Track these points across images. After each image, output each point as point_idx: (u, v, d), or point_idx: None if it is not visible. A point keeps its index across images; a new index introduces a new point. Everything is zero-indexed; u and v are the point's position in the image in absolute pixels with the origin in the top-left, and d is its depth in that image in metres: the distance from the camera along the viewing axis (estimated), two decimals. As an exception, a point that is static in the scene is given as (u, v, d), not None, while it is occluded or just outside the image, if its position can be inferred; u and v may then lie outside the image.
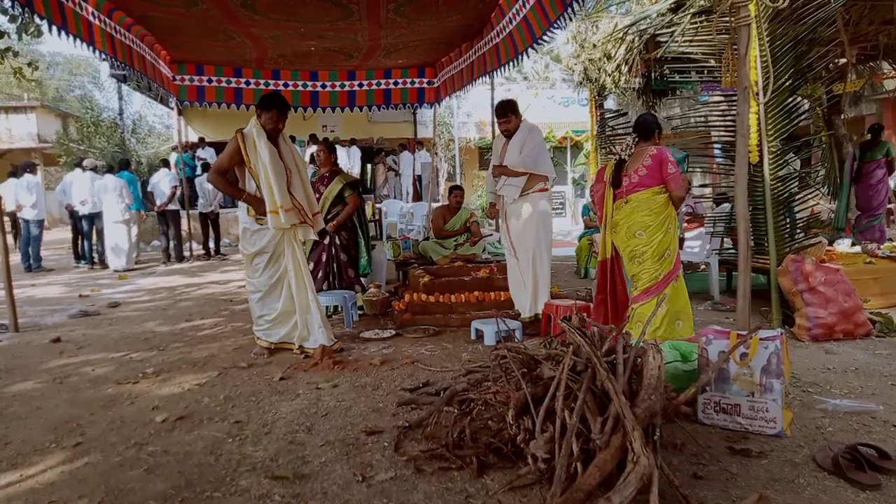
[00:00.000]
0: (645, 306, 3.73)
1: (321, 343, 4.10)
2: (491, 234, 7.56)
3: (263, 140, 3.98)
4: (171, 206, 10.76)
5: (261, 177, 3.96)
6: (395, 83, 8.54)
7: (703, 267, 6.87)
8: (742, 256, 3.19)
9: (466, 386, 2.94)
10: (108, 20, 5.50)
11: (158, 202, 10.72)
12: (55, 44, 45.35)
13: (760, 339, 2.68)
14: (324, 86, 8.50)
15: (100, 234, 10.18)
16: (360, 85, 8.56)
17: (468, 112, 20.42)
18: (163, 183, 10.77)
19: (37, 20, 5.27)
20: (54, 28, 4.66)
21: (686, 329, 3.72)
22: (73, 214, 10.25)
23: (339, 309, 5.32)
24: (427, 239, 6.98)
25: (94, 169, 10.42)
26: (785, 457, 2.46)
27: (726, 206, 6.34)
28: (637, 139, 3.94)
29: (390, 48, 7.09)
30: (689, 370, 3.01)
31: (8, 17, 7.00)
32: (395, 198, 15.08)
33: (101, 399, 3.41)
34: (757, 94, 4.46)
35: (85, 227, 10.13)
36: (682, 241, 7.02)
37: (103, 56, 5.76)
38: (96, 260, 10.20)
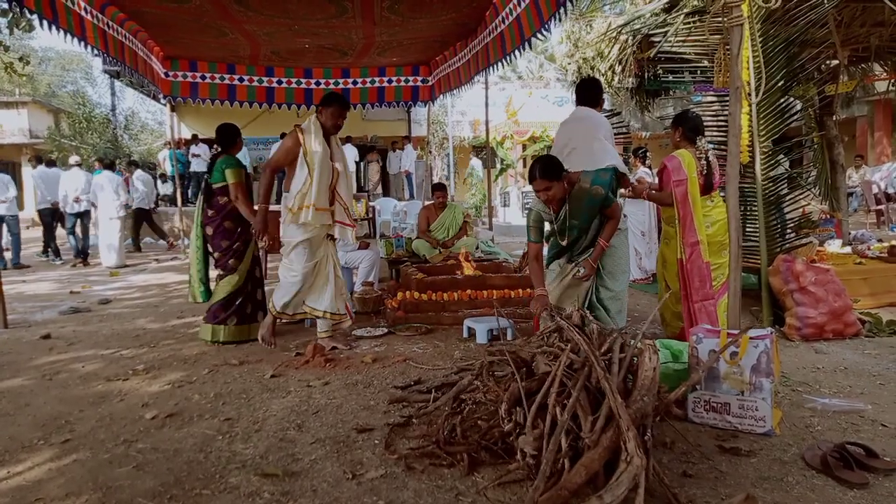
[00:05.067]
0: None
1: (341, 311, 4.27)
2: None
3: (319, 137, 4.03)
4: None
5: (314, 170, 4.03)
6: (390, 81, 8.52)
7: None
8: (733, 256, 3.20)
9: (472, 379, 2.89)
10: (100, 15, 5.46)
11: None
12: (47, 39, 45.15)
13: (750, 339, 2.69)
14: (318, 83, 8.47)
15: (85, 231, 10.17)
16: (355, 83, 8.54)
17: (462, 111, 20.47)
18: None
19: (27, 15, 5.24)
20: (45, 23, 4.63)
21: None
22: (53, 211, 10.25)
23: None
24: (420, 237, 6.98)
25: (79, 165, 10.42)
26: (774, 455, 2.47)
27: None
28: (701, 138, 4.00)
29: (385, 46, 7.08)
30: (679, 369, 3.02)
31: (-1, 11, 6.97)
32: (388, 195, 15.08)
33: (90, 396, 3.39)
34: (749, 94, 4.48)
35: (69, 224, 10.12)
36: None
37: (95, 52, 5.72)
38: (80, 256, 10.19)
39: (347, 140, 14.91)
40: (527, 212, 3.67)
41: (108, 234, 9.60)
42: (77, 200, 9.86)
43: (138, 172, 12.20)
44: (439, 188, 6.98)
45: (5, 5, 6.24)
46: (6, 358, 4.25)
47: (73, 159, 10.65)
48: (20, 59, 8.81)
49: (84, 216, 10.11)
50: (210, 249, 4.57)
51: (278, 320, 4.36)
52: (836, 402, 3.01)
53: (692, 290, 3.93)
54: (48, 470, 2.48)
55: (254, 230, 4.34)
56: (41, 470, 2.48)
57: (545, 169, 3.41)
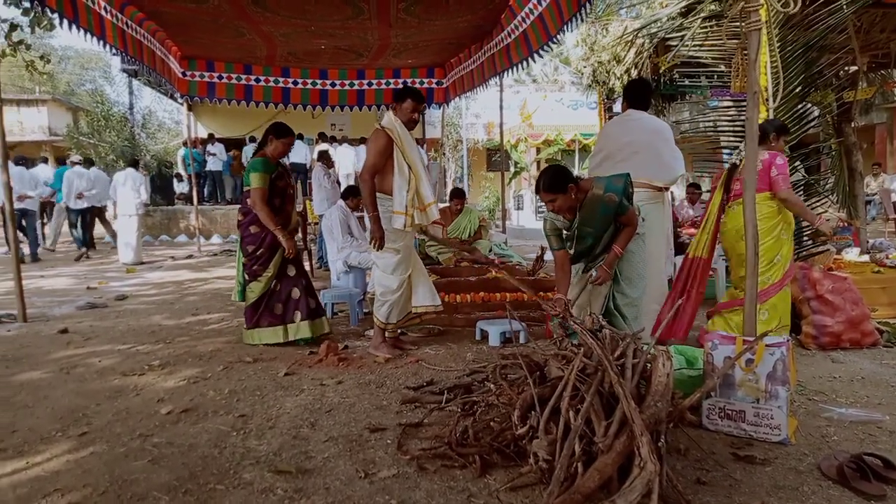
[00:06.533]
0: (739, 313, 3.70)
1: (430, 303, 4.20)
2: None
3: (407, 135, 3.96)
4: None
5: (418, 168, 3.97)
6: (405, 83, 8.56)
7: (710, 273, 6.84)
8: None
9: (495, 381, 2.85)
10: (119, 15, 5.54)
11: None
12: (67, 38, 45.77)
13: (766, 346, 2.67)
14: (333, 84, 8.53)
15: (86, 225, 10.58)
16: (370, 84, 8.59)
17: (477, 113, 20.47)
18: None
19: (49, 14, 5.32)
20: (66, 22, 4.70)
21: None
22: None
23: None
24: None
25: (80, 163, 10.73)
26: (789, 464, 2.45)
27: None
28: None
29: (400, 48, 7.11)
30: (694, 375, 3.00)
31: (21, 10, 7.07)
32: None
33: (107, 390, 3.43)
34: (766, 99, 4.45)
35: (72, 219, 10.53)
36: (686, 245, 7.02)
37: (114, 51, 5.80)
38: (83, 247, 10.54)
39: (362, 141, 14.98)
40: (542, 220, 3.67)
41: (125, 231, 9.71)
42: (80, 197, 10.25)
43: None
44: (458, 195, 6.95)
45: (28, 4, 6.34)
46: (25, 351, 4.31)
47: (75, 157, 10.93)
48: (41, 57, 8.92)
49: (87, 212, 10.48)
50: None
51: (386, 332, 4.23)
52: (852, 412, 2.98)
53: (692, 291, 4.03)
54: (66, 461, 2.52)
55: (284, 242, 4.21)
56: (59, 461, 2.52)
57: (549, 182, 3.38)
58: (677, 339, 3.91)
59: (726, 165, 4.01)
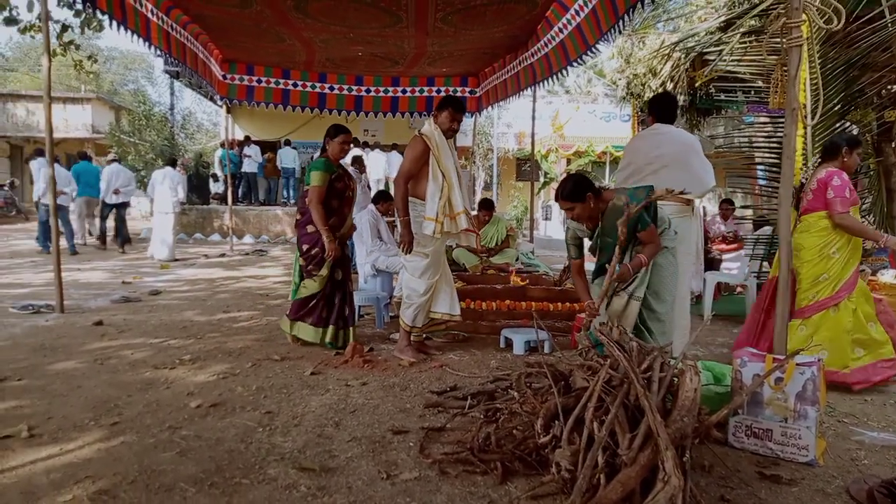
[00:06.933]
0: (790, 325, 3.67)
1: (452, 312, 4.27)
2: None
3: (444, 143, 3.97)
4: None
5: (451, 177, 3.97)
6: (438, 91, 8.63)
7: (740, 290, 6.75)
8: (783, 280, 3.13)
9: (523, 388, 2.84)
10: (165, 17, 5.71)
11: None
12: (112, 39, 47.19)
13: (797, 365, 2.63)
14: (368, 91, 8.63)
15: (122, 220, 11.02)
16: (404, 91, 8.68)
17: (508, 123, 20.50)
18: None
19: (99, 15, 5.52)
20: (115, 23, 4.87)
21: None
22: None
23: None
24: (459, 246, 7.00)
25: (116, 160, 11.23)
26: (816, 486, 2.41)
27: (767, 229, 6.24)
28: (819, 160, 3.89)
29: (435, 56, 7.18)
30: (721, 392, 2.96)
31: (73, 11, 7.34)
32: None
33: (138, 382, 3.52)
34: (805, 117, 4.38)
35: (106, 212, 11.07)
36: (719, 262, 6.92)
37: (158, 52, 5.97)
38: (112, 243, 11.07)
39: (394, 147, 15.12)
40: (565, 229, 3.67)
41: (161, 228, 9.95)
42: (116, 192, 10.73)
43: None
44: (486, 206, 6.96)
45: (80, 6, 6.57)
46: (62, 341, 4.44)
47: (111, 155, 11.43)
48: (89, 57, 9.25)
49: (121, 207, 10.95)
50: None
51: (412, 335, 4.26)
52: (884, 436, 2.91)
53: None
54: (97, 450, 2.59)
55: (326, 243, 4.18)
56: (91, 449, 2.59)
57: (567, 191, 3.36)
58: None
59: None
